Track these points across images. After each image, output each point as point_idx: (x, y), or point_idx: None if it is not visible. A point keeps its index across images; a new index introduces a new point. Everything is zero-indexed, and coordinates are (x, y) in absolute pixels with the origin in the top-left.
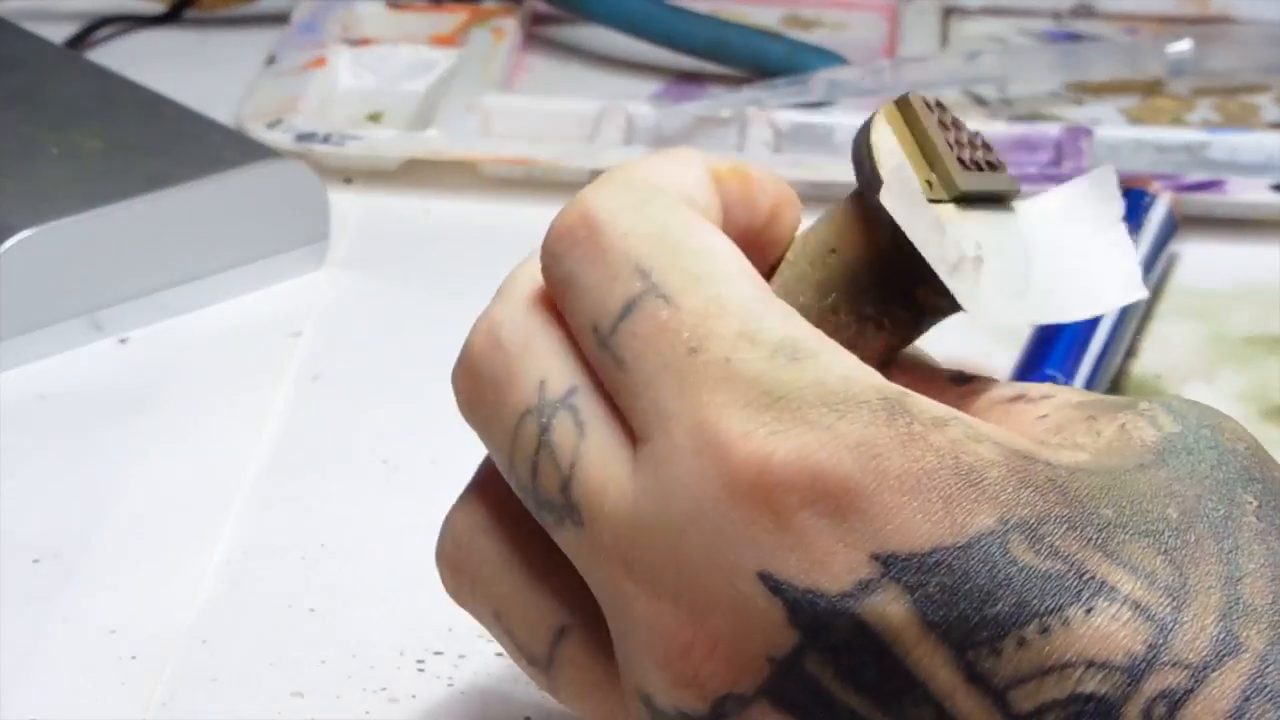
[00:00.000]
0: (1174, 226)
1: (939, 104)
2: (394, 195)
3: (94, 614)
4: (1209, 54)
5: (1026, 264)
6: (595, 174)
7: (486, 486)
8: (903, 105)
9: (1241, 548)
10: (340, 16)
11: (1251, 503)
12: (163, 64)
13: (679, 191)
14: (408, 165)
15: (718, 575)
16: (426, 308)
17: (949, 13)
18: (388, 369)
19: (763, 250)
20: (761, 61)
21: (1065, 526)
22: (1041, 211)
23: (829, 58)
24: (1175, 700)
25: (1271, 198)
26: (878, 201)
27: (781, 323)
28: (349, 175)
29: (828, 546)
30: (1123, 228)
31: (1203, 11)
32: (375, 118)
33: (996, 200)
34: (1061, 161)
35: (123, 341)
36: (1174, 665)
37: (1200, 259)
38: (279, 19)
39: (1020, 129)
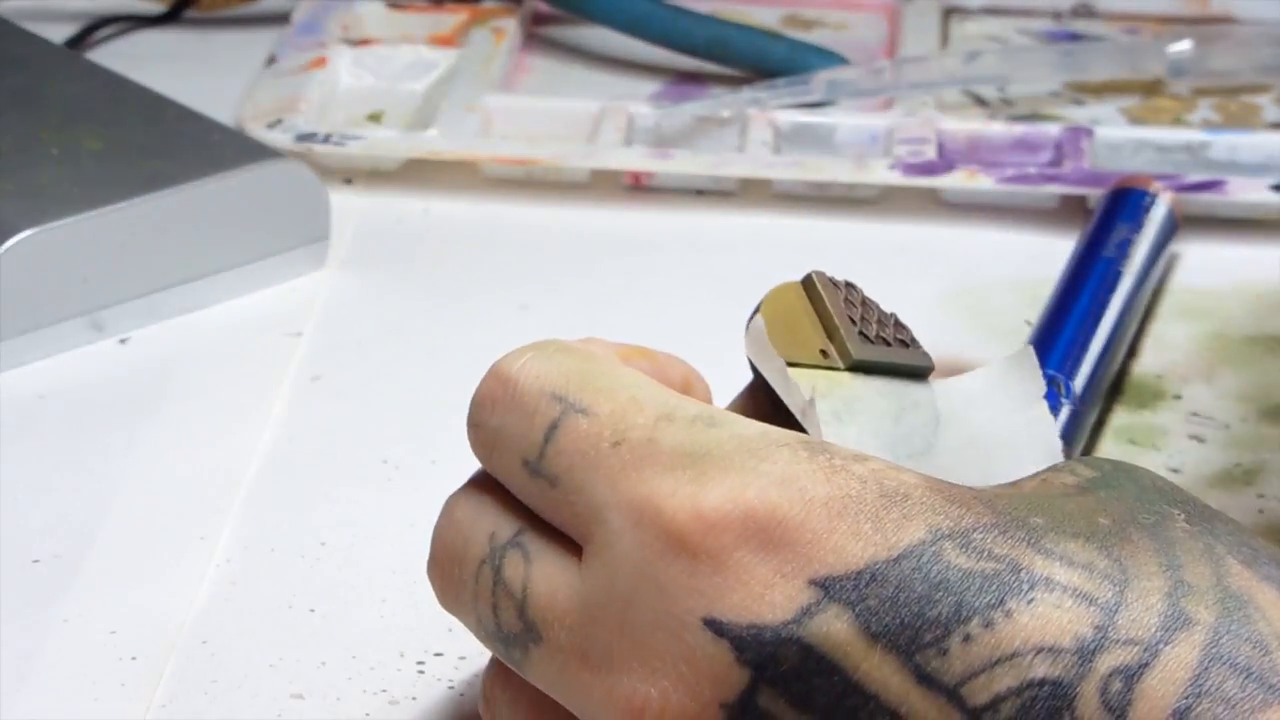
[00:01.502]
0: (1174, 226)
1: (849, 284)
2: (394, 195)
3: (94, 614)
4: (1209, 54)
5: (933, 431)
6: (595, 174)
7: None
8: (806, 283)
9: (1177, 542)
10: (340, 16)
11: (1179, 514)
12: (163, 64)
13: (585, 348)
14: (408, 165)
15: (665, 634)
16: (426, 308)
17: (949, 13)
18: (388, 369)
19: None
20: (762, 61)
21: (996, 532)
22: (963, 388)
23: (829, 58)
24: (1131, 675)
25: (1271, 198)
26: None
27: (696, 403)
28: (349, 175)
29: (766, 580)
30: (1044, 405)
31: (1203, 11)
32: (375, 118)
33: (908, 375)
34: (1062, 161)
35: (123, 341)
36: (1125, 643)
37: (1200, 259)
38: (279, 19)
39: (1020, 129)
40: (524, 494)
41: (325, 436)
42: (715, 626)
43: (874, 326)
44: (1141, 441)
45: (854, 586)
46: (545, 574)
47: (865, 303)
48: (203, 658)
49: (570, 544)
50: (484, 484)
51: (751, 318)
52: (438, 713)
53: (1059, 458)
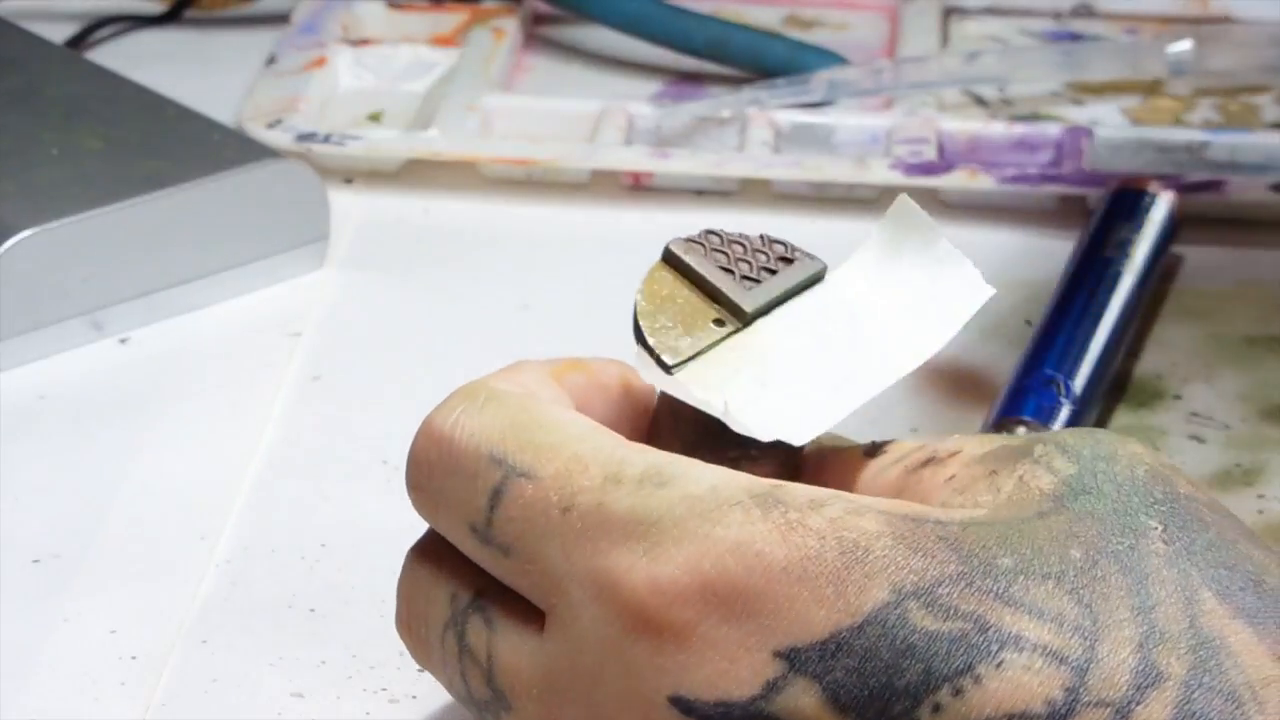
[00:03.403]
0: (1175, 226)
1: (709, 231)
2: (394, 195)
3: (94, 614)
4: (1209, 54)
5: (855, 334)
6: (595, 174)
7: None
8: (668, 258)
9: (1150, 575)
10: (340, 16)
11: (1156, 527)
12: (163, 64)
13: (519, 391)
14: (408, 165)
15: (632, 713)
16: (426, 308)
17: (949, 13)
18: (388, 369)
19: (635, 423)
20: (762, 61)
21: (962, 584)
22: (860, 268)
23: (829, 58)
24: None
25: (1271, 198)
26: None
27: (642, 456)
28: (349, 175)
29: (731, 654)
30: (945, 241)
31: (1203, 11)
32: (375, 118)
33: (806, 287)
34: (1062, 162)
35: (123, 341)
36: (1096, 705)
37: (1200, 259)
38: (279, 19)
39: (1020, 129)
40: (476, 558)
41: (325, 436)
42: (683, 705)
43: (751, 262)
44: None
45: (819, 657)
46: (508, 642)
47: (732, 242)
48: (202, 657)
49: (530, 609)
50: (440, 540)
51: (635, 328)
52: (438, 712)
53: (984, 287)
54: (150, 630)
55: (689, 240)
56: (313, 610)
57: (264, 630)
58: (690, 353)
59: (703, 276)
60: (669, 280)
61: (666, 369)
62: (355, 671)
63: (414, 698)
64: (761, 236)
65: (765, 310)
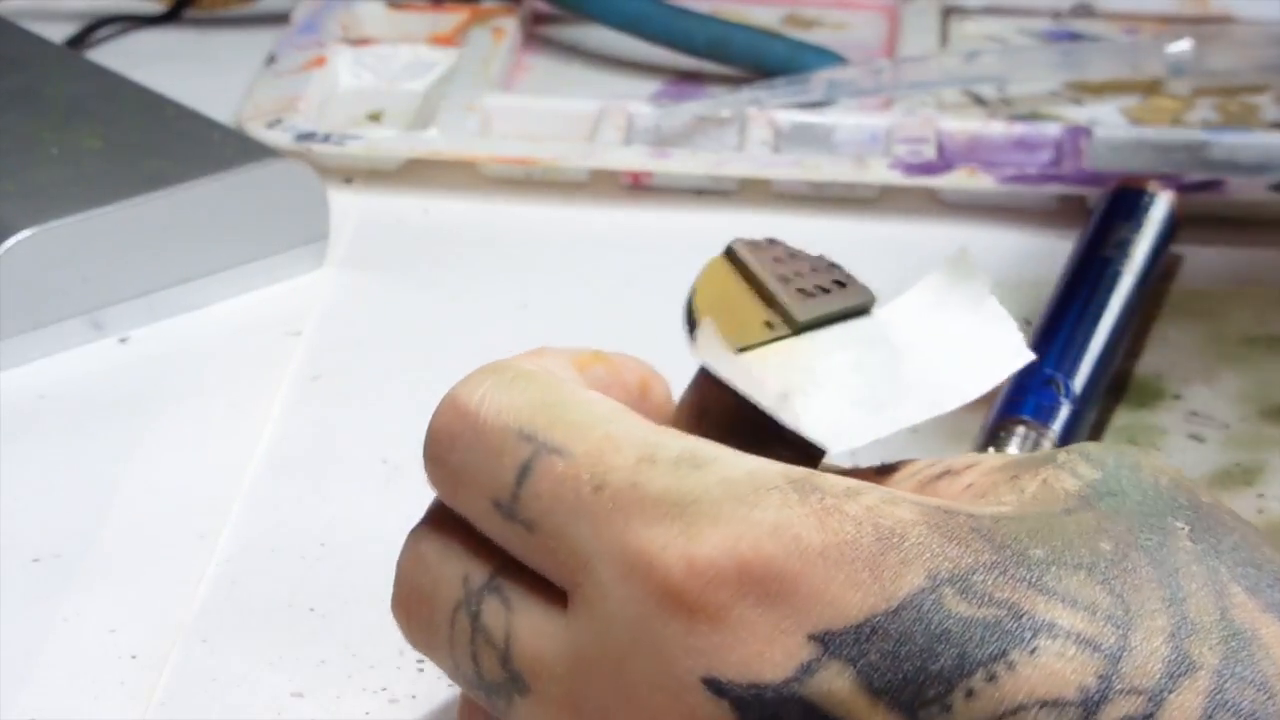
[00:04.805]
0: (1175, 226)
1: (770, 240)
2: (394, 195)
3: (94, 614)
4: (1209, 54)
5: (895, 368)
6: (595, 174)
7: None
8: (729, 254)
9: (1180, 569)
10: (340, 16)
11: (1183, 528)
12: (163, 64)
13: (544, 371)
14: (408, 165)
15: (665, 695)
16: (426, 308)
17: (949, 13)
18: (388, 369)
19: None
20: (761, 61)
21: (996, 572)
22: (908, 309)
23: (829, 57)
24: None
25: (1271, 198)
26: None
27: (676, 439)
28: (349, 175)
29: (766, 635)
30: (994, 300)
31: (1203, 11)
32: (375, 118)
33: (853, 315)
34: (1061, 161)
35: (123, 341)
36: (1129, 692)
37: (1200, 259)
38: (279, 19)
39: (1020, 129)
40: (496, 536)
41: (325, 436)
42: (715, 687)
43: (808, 278)
44: (1141, 441)
45: (854, 641)
46: (529, 623)
47: (794, 255)
48: (202, 656)
49: (551, 589)
50: (449, 519)
51: (688, 314)
52: (437, 711)
53: (1024, 353)
54: (150, 630)
55: (753, 242)
56: (312, 610)
57: (264, 630)
58: (736, 344)
59: (760, 279)
60: (726, 276)
61: (734, 349)
62: (355, 671)
63: (414, 697)
64: (820, 256)
65: (814, 325)
